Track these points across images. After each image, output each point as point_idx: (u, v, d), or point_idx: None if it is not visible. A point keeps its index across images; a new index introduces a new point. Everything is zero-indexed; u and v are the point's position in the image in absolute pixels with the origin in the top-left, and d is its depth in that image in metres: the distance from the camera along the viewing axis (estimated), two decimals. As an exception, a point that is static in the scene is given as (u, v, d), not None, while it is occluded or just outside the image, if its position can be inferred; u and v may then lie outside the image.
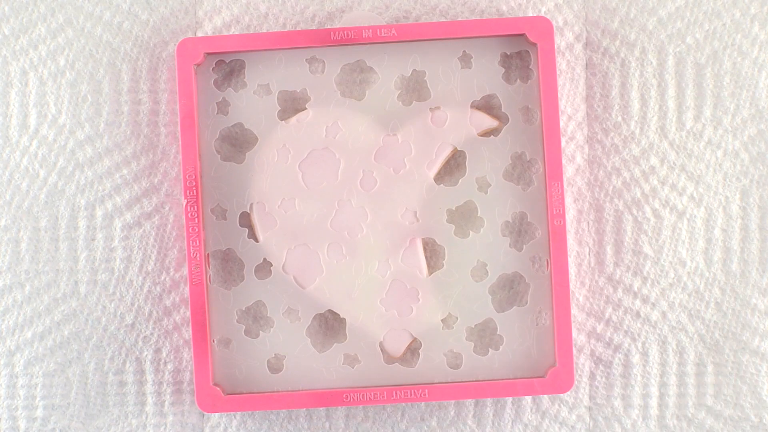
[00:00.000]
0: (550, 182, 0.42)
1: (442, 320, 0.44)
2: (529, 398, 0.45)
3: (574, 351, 0.45)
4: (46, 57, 0.45)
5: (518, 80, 0.43)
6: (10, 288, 0.45)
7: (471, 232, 0.43)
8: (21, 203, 0.45)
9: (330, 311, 0.44)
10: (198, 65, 0.43)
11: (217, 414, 0.45)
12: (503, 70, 0.43)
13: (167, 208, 0.45)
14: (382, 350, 0.44)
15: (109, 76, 0.45)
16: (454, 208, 0.43)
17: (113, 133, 0.45)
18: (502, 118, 0.43)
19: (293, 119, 0.43)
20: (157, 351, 0.45)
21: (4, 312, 0.45)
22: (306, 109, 0.43)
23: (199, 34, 0.45)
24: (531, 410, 0.45)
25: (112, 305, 0.45)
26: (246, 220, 0.43)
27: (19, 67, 0.45)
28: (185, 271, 0.44)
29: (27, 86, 0.45)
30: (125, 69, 0.45)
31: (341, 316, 0.44)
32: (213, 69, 0.43)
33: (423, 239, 0.44)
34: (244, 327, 0.43)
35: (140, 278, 0.45)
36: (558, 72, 0.45)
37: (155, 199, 0.45)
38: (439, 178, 0.43)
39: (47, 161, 0.45)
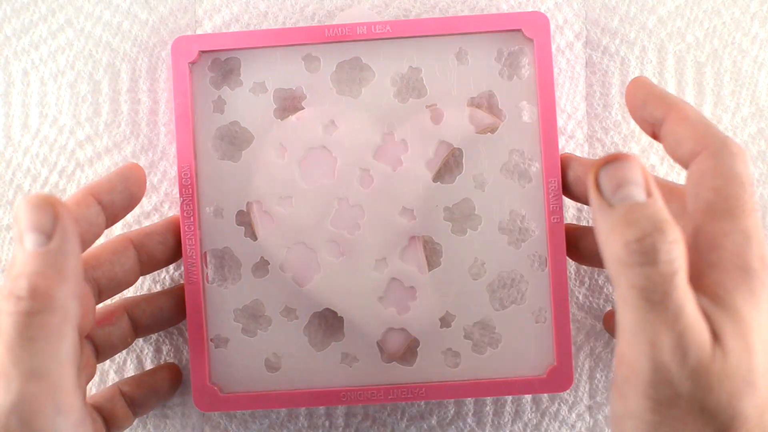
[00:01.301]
0: (547, 179, 0.42)
1: (440, 319, 0.43)
2: (528, 397, 0.45)
3: (574, 349, 0.44)
4: (47, 57, 0.46)
5: (515, 76, 0.43)
6: (13, 287, 0.46)
7: (469, 230, 0.43)
8: (23, 203, 0.45)
9: (328, 310, 0.43)
10: (193, 63, 0.43)
11: (217, 413, 0.45)
12: (500, 66, 0.43)
13: (166, 207, 0.45)
14: (380, 349, 0.43)
15: (109, 75, 0.45)
16: (451, 206, 0.43)
17: (113, 133, 0.45)
18: (499, 115, 0.43)
19: (290, 117, 0.43)
20: (157, 350, 0.45)
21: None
22: (302, 107, 0.43)
23: (199, 32, 0.45)
24: (531, 409, 0.45)
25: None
26: (243, 218, 0.43)
27: (21, 68, 0.46)
28: (183, 269, 0.44)
29: (28, 86, 0.46)
30: (124, 69, 0.45)
31: (339, 315, 0.43)
32: (209, 67, 0.43)
33: (421, 237, 0.43)
34: (241, 326, 0.43)
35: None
36: (558, 70, 0.45)
37: (154, 198, 0.45)
38: (437, 176, 0.43)
39: (48, 161, 0.45)
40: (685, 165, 0.36)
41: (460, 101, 0.43)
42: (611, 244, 0.32)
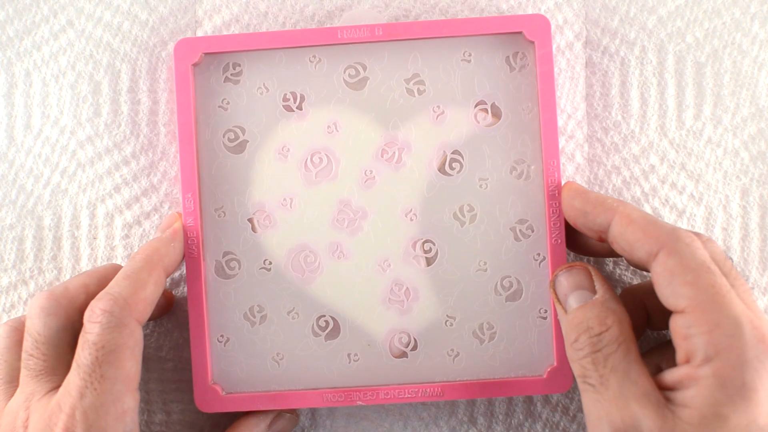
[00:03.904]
0: (548, 179, 0.42)
1: (442, 319, 0.44)
2: (528, 396, 0.45)
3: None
4: (49, 58, 0.46)
5: (518, 77, 0.43)
6: (15, 285, 0.46)
7: (471, 230, 0.43)
8: (25, 202, 0.46)
9: (330, 310, 0.44)
10: (196, 65, 0.43)
11: (217, 412, 0.45)
12: (503, 67, 0.43)
13: (167, 207, 0.45)
14: (382, 349, 0.44)
15: (109, 76, 0.45)
16: (454, 206, 0.43)
17: (113, 133, 0.45)
18: (502, 116, 0.43)
19: (293, 118, 0.43)
20: (158, 349, 0.46)
21: (10, 308, 0.46)
22: (306, 108, 0.43)
23: (199, 33, 0.45)
24: (530, 409, 0.45)
25: (114, 303, 0.45)
26: (246, 218, 0.44)
27: (23, 69, 0.46)
28: (184, 269, 0.44)
29: (30, 87, 0.46)
30: (125, 69, 0.45)
31: (341, 315, 0.44)
32: (211, 69, 0.43)
33: (423, 237, 0.44)
34: (244, 326, 0.44)
35: (141, 277, 0.45)
36: (558, 70, 0.45)
37: (155, 199, 0.45)
38: (439, 176, 0.43)
39: (50, 161, 0.46)
40: (644, 266, 0.37)
41: (463, 102, 0.43)
42: (565, 344, 0.38)
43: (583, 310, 0.37)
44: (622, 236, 0.37)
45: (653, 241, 0.36)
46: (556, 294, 0.40)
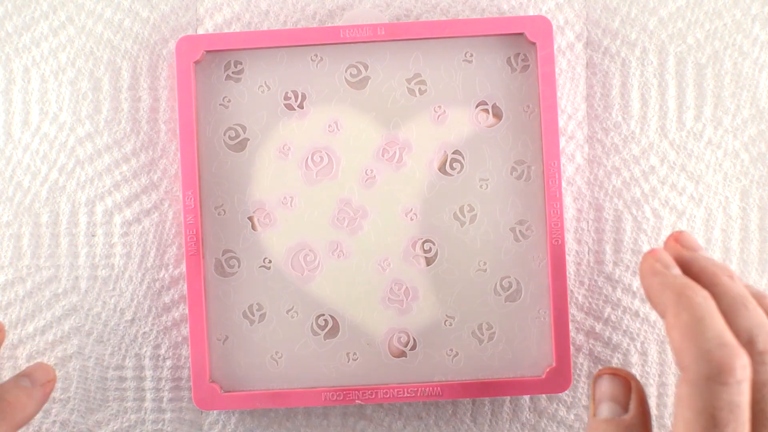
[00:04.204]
0: (548, 180, 0.42)
1: (441, 319, 0.44)
2: (527, 396, 0.45)
3: (573, 350, 0.45)
4: (48, 54, 0.45)
5: (519, 78, 0.43)
6: (12, 283, 0.46)
7: (471, 231, 0.43)
8: (23, 199, 0.45)
9: (329, 309, 0.44)
10: (197, 62, 0.43)
11: (216, 410, 0.45)
12: (504, 68, 0.43)
13: (166, 205, 0.45)
14: (381, 348, 0.44)
15: (109, 73, 0.45)
16: (454, 206, 0.43)
17: (113, 131, 0.45)
18: (502, 117, 0.43)
19: (294, 117, 0.43)
20: (156, 347, 0.45)
21: (7, 306, 0.46)
22: (307, 107, 0.43)
23: (200, 31, 0.45)
24: (529, 409, 0.45)
25: (112, 301, 0.45)
26: (246, 216, 0.43)
27: (22, 65, 0.46)
28: (184, 267, 0.44)
29: (29, 83, 0.46)
30: (125, 66, 0.45)
31: (341, 314, 0.44)
32: (213, 67, 0.43)
33: (423, 237, 0.44)
34: (243, 324, 0.43)
35: (140, 274, 0.45)
36: (558, 71, 0.45)
37: (154, 196, 0.45)
38: (440, 176, 0.43)
39: (48, 158, 0.45)
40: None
41: (464, 102, 0.43)
42: None
43: (605, 425, 0.37)
44: (668, 334, 0.34)
45: (680, 360, 0.33)
46: (594, 392, 0.39)
